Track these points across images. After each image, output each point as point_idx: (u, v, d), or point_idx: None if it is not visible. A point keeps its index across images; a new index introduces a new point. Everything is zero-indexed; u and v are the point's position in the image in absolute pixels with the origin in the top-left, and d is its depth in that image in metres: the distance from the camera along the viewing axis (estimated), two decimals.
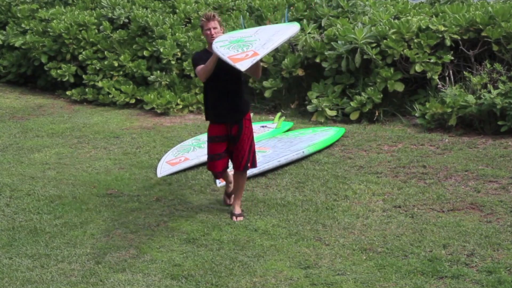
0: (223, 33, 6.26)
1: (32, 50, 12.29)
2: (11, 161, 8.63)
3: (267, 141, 8.91)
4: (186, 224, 6.54)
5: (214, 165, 6.56)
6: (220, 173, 6.65)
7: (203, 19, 6.22)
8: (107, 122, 10.44)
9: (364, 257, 5.77)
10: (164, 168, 8.01)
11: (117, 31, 11.87)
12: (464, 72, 9.48)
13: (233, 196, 6.84)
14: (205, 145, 7.78)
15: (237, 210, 6.65)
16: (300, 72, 10.56)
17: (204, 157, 7.68)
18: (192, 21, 11.94)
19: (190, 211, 6.86)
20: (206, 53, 6.27)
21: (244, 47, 5.81)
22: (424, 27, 9.69)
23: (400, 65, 9.76)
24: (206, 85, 6.40)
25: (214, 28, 6.19)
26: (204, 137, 8.46)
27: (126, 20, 11.99)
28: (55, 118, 10.73)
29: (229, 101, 6.36)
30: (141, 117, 10.77)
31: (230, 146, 6.53)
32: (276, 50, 10.96)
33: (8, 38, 12.84)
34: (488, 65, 9.23)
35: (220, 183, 7.62)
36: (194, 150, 8.51)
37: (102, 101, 11.52)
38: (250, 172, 7.73)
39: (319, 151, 8.51)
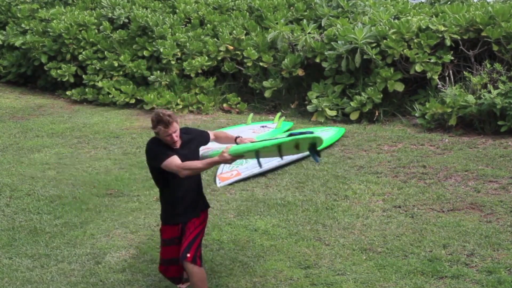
0: (179, 127, 5.06)
1: (32, 50, 12.28)
2: (11, 161, 8.63)
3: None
4: None
5: (166, 269, 5.31)
6: (176, 279, 5.40)
7: (159, 126, 4.93)
8: (107, 122, 10.44)
9: (364, 257, 5.77)
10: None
11: (117, 31, 11.87)
12: (464, 72, 9.47)
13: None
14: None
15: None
16: (300, 72, 10.55)
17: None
18: (192, 21, 11.94)
19: None
20: (163, 146, 5.08)
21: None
22: (424, 27, 9.68)
23: (400, 65, 9.76)
24: (170, 182, 5.16)
25: (175, 131, 4.99)
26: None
27: (126, 20, 11.99)
28: (55, 118, 10.73)
29: (192, 197, 5.21)
30: (141, 117, 10.76)
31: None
32: (276, 50, 10.96)
33: (8, 38, 12.84)
34: (488, 65, 9.23)
35: (221, 182, 7.62)
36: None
37: (102, 101, 11.52)
38: (250, 172, 7.75)
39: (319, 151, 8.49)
